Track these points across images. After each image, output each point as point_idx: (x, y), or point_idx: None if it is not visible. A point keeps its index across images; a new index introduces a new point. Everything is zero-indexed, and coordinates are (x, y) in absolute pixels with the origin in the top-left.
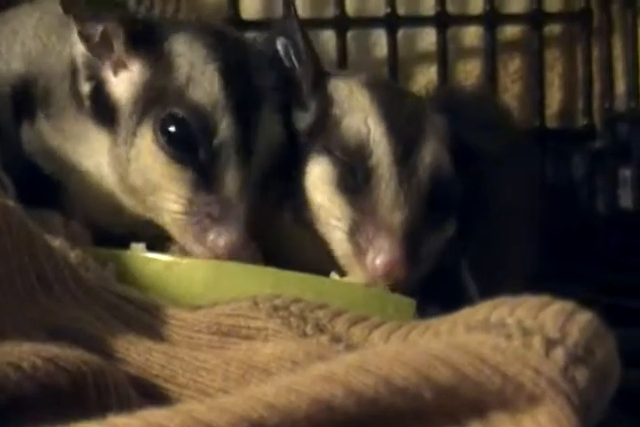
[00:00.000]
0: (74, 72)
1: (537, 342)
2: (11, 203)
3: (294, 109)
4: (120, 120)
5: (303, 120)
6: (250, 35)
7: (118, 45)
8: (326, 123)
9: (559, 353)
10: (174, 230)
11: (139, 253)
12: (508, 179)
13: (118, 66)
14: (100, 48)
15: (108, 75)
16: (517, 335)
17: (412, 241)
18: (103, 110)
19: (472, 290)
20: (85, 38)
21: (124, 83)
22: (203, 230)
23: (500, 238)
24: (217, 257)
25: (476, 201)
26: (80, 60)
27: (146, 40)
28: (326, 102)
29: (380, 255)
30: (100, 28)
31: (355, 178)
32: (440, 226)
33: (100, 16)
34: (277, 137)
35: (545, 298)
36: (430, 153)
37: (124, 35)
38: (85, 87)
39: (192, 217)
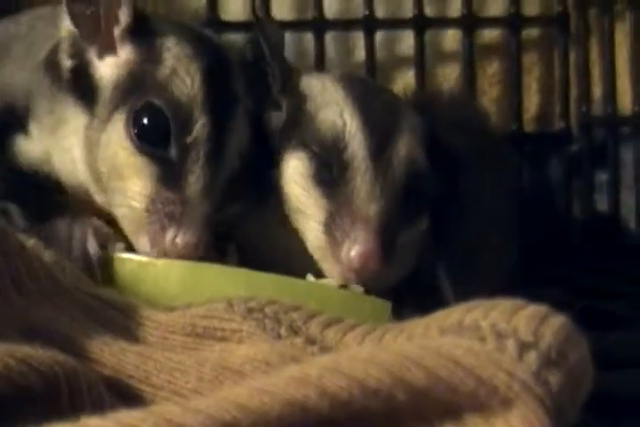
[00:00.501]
0: (54, 49)
1: (510, 345)
2: None
3: (268, 109)
4: (99, 103)
5: (277, 118)
6: (229, 36)
7: (112, 30)
8: (301, 118)
9: (532, 356)
10: (128, 225)
11: (115, 252)
12: (485, 181)
13: (106, 49)
14: (88, 28)
15: (93, 56)
16: (491, 338)
17: (387, 233)
18: (82, 89)
19: (448, 293)
20: (75, 16)
21: (108, 67)
22: (160, 229)
23: (476, 241)
24: (168, 257)
25: (452, 203)
26: (65, 36)
27: (141, 29)
28: (299, 99)
29: (356, 246)
30: (91, 9)
31: (330, 171)
32: (414, 220)
33: None
34: (248, 140)
35: (518, 301)
36: (405, 146)
37: (127, 21)
38: (67, 62)
39: (151, 214)
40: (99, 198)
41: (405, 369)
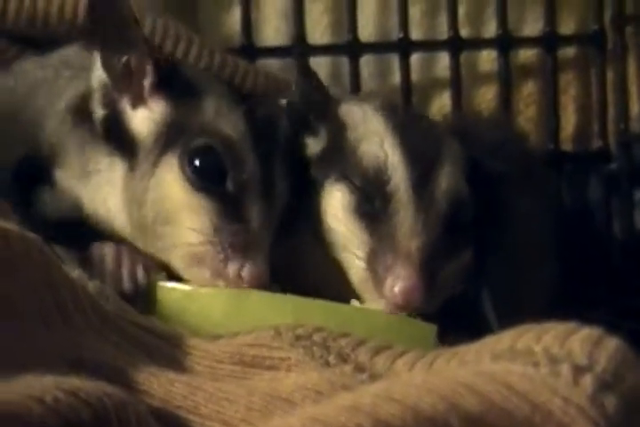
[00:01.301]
0: (86, 97)
1: (565, 369)
2: (30, 234)
3: (305, 136)
4: (139, 152)
5: (315, 145)
6: (263, 62)
7: (142, 82)
8: (341, 148)
9: (587, 380)
10: (182, 262)
11: (158, 282)
12: (527, 204)
13: (137, 101)
14: (120, 79)
15: (126, 107)
16: (545, 363)
17: (429, 268)
18: (117, 139)
19: (491, 317)
20: (107, 66)
21: (142, 118)
22: (223, 261)
23: (519, 265)
24: (239, 288)
25: (494, 228)
26: (97, 86)
27: (172, 79)
28: (339, 127)
29: (398, 283)
30: (123, 60)
31: (372, 204)
32: (457, 252)
33: (126, 46)
34: (291, 173)
35: (571, 325)
36: (447, 178)
37: (153, 73)
38: (99, 111)
39: (213, 247)
40: (139, 244)
41: (459, 395)
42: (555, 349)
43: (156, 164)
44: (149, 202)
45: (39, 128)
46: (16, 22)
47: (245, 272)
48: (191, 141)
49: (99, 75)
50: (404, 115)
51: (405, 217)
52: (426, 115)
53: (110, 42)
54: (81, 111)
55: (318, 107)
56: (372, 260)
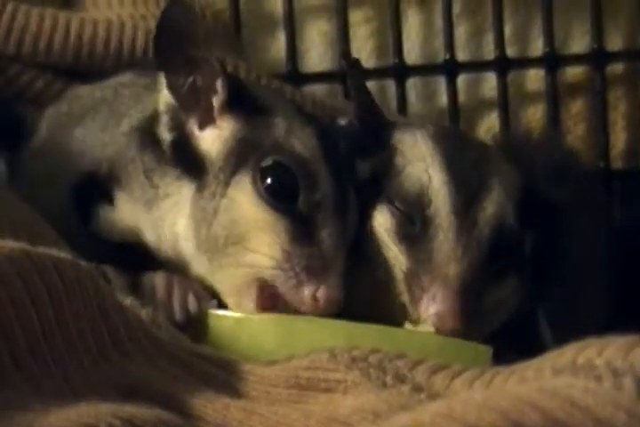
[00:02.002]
0: (151, 120)
1: (628, 382)
2: (82, 262)
3: (358, 158)
4: (209, 173)
5: (365, 168)
6: (310, 88)
7: (212, 102)
8: (389, 172)
9: None
10: (242, 288)
11: (209, 310)
12: (582, 225)
13: (206, 120)
14: (187, 100)
15: (194, 128)
16: (607, 377)
17: (470, 293)
18: (187, 161)
19: (548, 338)
20: (173, 89)
21: (211, 138)
22: (297, 285)
23: (576, 284)
24: (315, 312)
25: (551, 249)
26: (163, 109)
27: (241, 97)
28: (389, 152)
29: (433, 305)
30: (189, 80)
31: (413, 227)
32: (503, 277)
33: (191, 67)
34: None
35: (632, 338)
36: (493, 204)
37: (223, 91)
38: (167, 136)
39: (286, 271)
40: (202, 269)
41: (520, 412)
42: (617, 362)
43: (227, 183)
44: (221, 222)
45: (101, 147)
46: (62, 56)
47: (321, 295)
48: (262, 159)
49: (165, 97)
50: (455, 140)
51: (445, 241)
52: (478, 139)
53: (175, 63)
54: (147, 135)
55: (374, 130)
56: (410, 282)
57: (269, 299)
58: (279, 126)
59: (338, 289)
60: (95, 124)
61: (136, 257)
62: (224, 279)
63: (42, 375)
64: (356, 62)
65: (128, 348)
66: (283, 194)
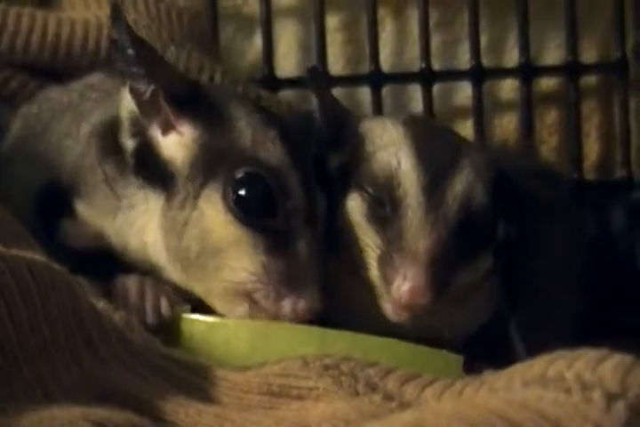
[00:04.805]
0: (112, 126)
1: (597, 396)
2: (56, 265)
3: (326, 150)
4: (176, 182)
5: (335, 159)
6: (286, 94)
7: (167, 106)
8: (359, 160)
9: (620, 407)
10: (225, 299)
11: (183, 314)
12: (556, 233)
13: (167, 126)
14: (148, 107)
15: (157, 135)
16: (576, 390)
17: (439, 269)
18: (151, 170)
19: (519, 349)
20: (136, 95)
21: (173, 144)
22: (276, 299)
23: (547, 294)
24: (298, 322)
25: (523, 254)
26: (125, 116)
27: (193, 102)
28: (358, 141)
29: (405, 282)
30: (151, 87)
31: (384, 209)
32: (474, 256)
33: (152, 74)
34: (323, 198)
35: (603, 351)
36: (462, 182)
37: (166, 95)
38: (129, 143)
39: (264, 285)
40: (175, 277)
41: (490, 424)
42: (586, 375)
43: (197, 195)
44: (192, 234)
45: (62, 153)
46: (39, 55)
47: (301, 308)
48: (233, 171)
49: (127, 104)
50: (425, 126)
51: (414, 219)
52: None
53: (136, 72)
54: (107, 143)
55: (339, 122)
56: (383, 262)
57: (256, 306)
58: (242, 132)
59: (318, 300)
60: (60, 128)
61: (107, 262)
62: (205, 290)
63: (15, 378)
64: (315, 70)
65: (101, 351)
66: (258, 207)
